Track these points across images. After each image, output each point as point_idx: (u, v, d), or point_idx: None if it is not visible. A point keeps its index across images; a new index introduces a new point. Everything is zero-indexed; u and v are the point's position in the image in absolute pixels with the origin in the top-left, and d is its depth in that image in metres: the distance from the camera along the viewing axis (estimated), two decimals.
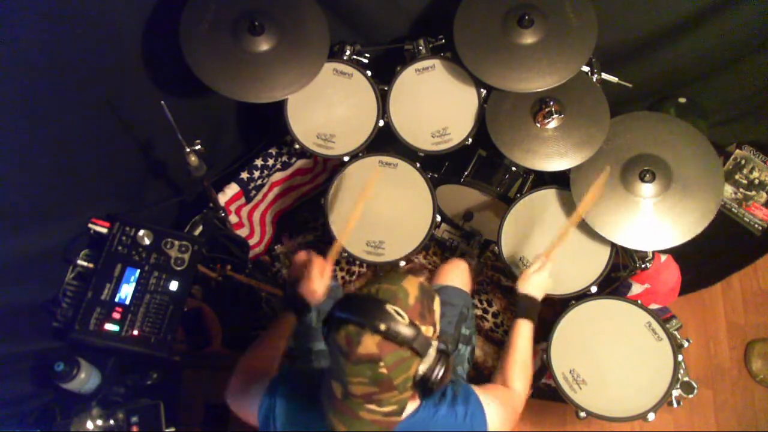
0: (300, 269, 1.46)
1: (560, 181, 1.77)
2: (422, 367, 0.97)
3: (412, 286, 1.00)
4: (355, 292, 1.04)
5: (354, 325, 0.94)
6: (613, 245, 1.70)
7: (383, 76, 1.88)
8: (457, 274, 1.73)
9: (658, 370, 1.56)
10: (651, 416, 1.53)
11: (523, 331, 1.42)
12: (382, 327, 0.93)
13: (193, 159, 1.49)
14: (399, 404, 0.99)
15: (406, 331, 0.94)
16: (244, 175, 2.08)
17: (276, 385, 1.17)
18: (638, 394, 1.56)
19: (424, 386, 0.99)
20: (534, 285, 1.48)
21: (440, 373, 0.99)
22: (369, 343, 0.93)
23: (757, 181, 2.05)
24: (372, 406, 0.97)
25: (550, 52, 1.65)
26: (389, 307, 0.96)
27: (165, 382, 1.74)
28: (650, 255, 1.73)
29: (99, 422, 1.46)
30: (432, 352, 0.98)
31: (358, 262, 2.42)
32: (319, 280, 1.40)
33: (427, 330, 0.98)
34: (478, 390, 1.18)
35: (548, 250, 1.53)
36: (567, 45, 1.65)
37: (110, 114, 1.59)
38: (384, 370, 0.93)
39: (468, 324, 1.66)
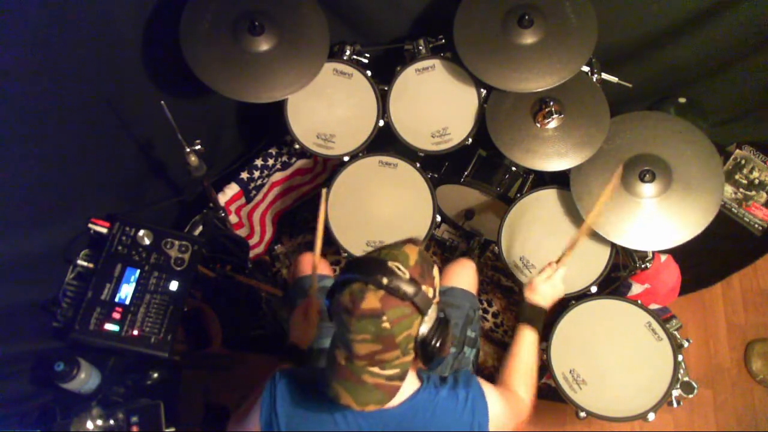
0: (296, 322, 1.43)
1: (560, 181, 1.77)
2: (423, 328, 0.99)
3: (412, 251, 1.03)
4: (358, 256, 1.06)
5: (358, 283, 0.98)
6: (613, 245, 1.70)
7: (383, 76, 1.88)
8: (464, 275, 1.71)
9: (658, 370, 1.56)
10: (651, 416, 1.53)
11: (526, 338, 1.37)
12: (384, 281, 0.95)
13: (193, 159, 1.49)
14: (401, 368, 1.00)
15: (407, 286, 0.96)
16: (244, 175, 2.08)
17: (276, 380, 1.16)
18: (638, 394, 1.55)
19: (424, 350, 1.00)
20: (542, 294, 1.42)
21: (440, 339, 1.00)
22: (372, 299, 0.95)
23: (757, 181, 2.05)
24: (375, 369, 0.98)
25: (549, 52, 1.65)
26: (391, 264, 0.98)
27: (165, 382, 1.74)
28: (650, 255, 1.73)
29: (99, 422, 1.46)
30: (432, 314, 1.00)
31: None
32: (303, 324, 1.40)
33: (427, 289, 1.00)
34: (481, 380, 1.18)
35: (559, 257, 1.48)
36: (567, 45, 1.65)
37: (110, 114, 1.59)
38: (387, 325, 0.95)
39: (474, 326, 1.63)
